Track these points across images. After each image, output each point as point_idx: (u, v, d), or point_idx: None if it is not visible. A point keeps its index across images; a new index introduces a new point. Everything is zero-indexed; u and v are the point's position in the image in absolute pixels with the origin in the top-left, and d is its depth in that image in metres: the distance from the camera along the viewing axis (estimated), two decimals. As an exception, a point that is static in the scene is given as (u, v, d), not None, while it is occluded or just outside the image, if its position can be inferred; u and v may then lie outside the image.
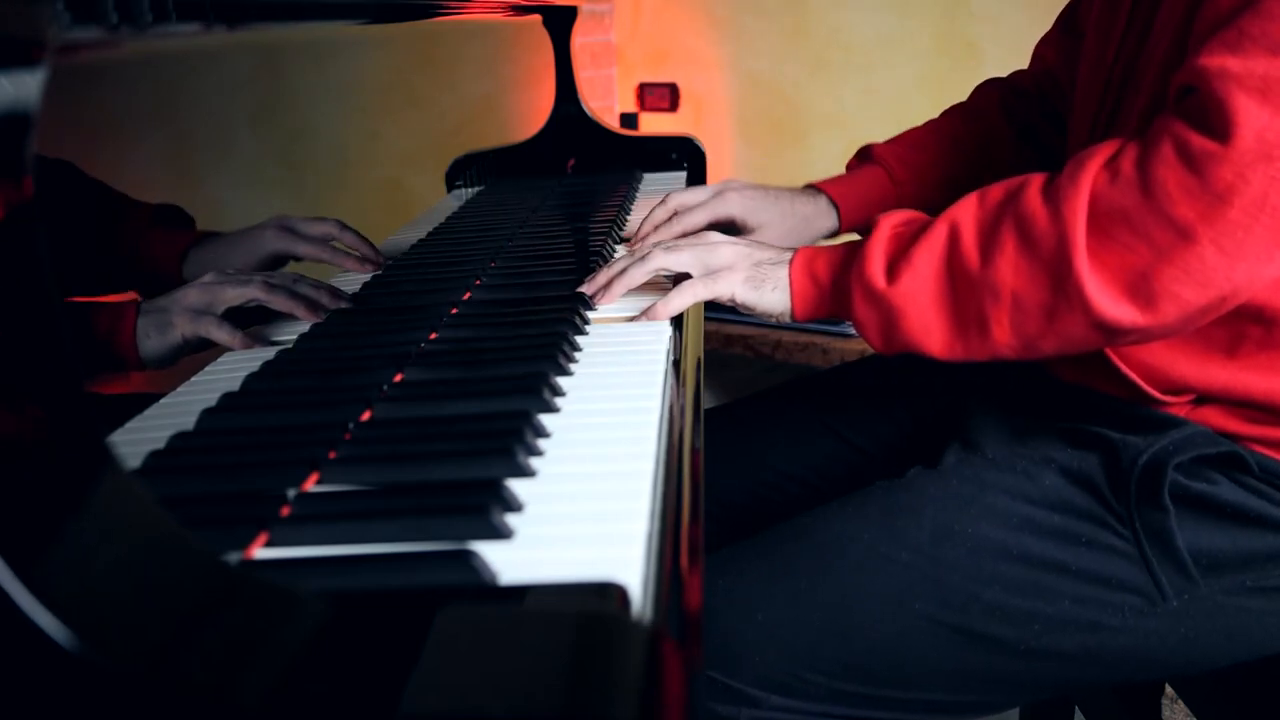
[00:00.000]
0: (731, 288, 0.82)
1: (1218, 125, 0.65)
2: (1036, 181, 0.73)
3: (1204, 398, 0.79)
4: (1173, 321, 0.69)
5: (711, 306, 0.89)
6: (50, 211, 0.60)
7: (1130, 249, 0.68)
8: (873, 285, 0.77)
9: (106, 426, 0.61)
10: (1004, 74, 1.13)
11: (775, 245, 0.86)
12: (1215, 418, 0.79)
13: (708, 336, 1.54)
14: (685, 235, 0.96)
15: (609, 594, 0.42)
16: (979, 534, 0.77)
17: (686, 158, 1.57)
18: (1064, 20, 1.07)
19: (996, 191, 0.76)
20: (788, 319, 0.84)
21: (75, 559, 0.35)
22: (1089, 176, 0.70)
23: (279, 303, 0.78)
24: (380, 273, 0.95)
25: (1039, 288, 0.71)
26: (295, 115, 0.91)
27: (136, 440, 0.59)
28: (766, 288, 0.82)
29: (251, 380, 0.70)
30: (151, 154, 0.71)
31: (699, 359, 0.78)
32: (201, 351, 0.74)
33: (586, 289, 0.86)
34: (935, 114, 1.12)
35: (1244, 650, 0.80)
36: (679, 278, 0.86)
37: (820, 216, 1.05)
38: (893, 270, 0.77)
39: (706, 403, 0.82)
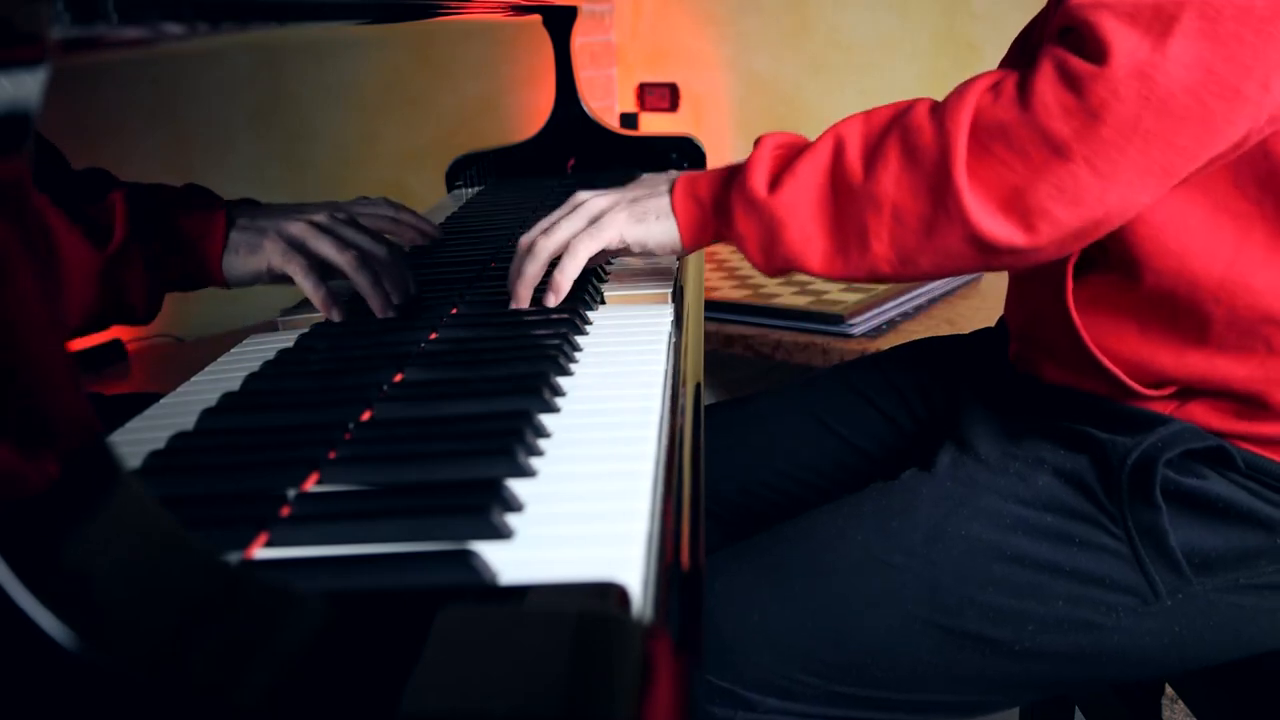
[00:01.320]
0: (616, 229, 0.82)
1: (1093, 50, 0.66)
2: (925, 102, 0.74)
3: (1187, 390, 0.79)
4: (1046, 243, 0.69)
5: (712, 306, 0.89)
6: (77, 208, 0.60)
7: (1007, 165, 0.68)
8: (754, 195, 0.76)
9: (106, 426, 0.61)
10: (1003, 74, 1.13)
11: (645, 181, 0.86)
12: (1201, 413, 0.79)
13: (708, 336, 1.54)
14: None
15: (609, 594, 0.42)
16: (972, 535, 0.77)
17: (686, 158, 1.57)
18: (1016, 48, 1.08)
19: (884, 110, 0.76)
20: (678, 248, 0.83)
21: (75, 559, 0.35)
22: (974, 94, 0.71)
23: (360, 284, 0.78)
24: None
25: (919, 200, 0.71)
26: (295, 115, 0.91)
27: (136, 440, 0.59)
28: (650, 219, 0.82)
29: (251, 380, 0.70)
30: (151, 154, 0.71)
31: (699, 358, 0.78)
32: (282, 284, 0.72)
33: (517, 305, 0.85)
34: (935, 114, 1.12)
35: (1238, 648, 0.80)
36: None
37: None
38: (775, 181, 0.76)
39: (706, 402, 0.82)
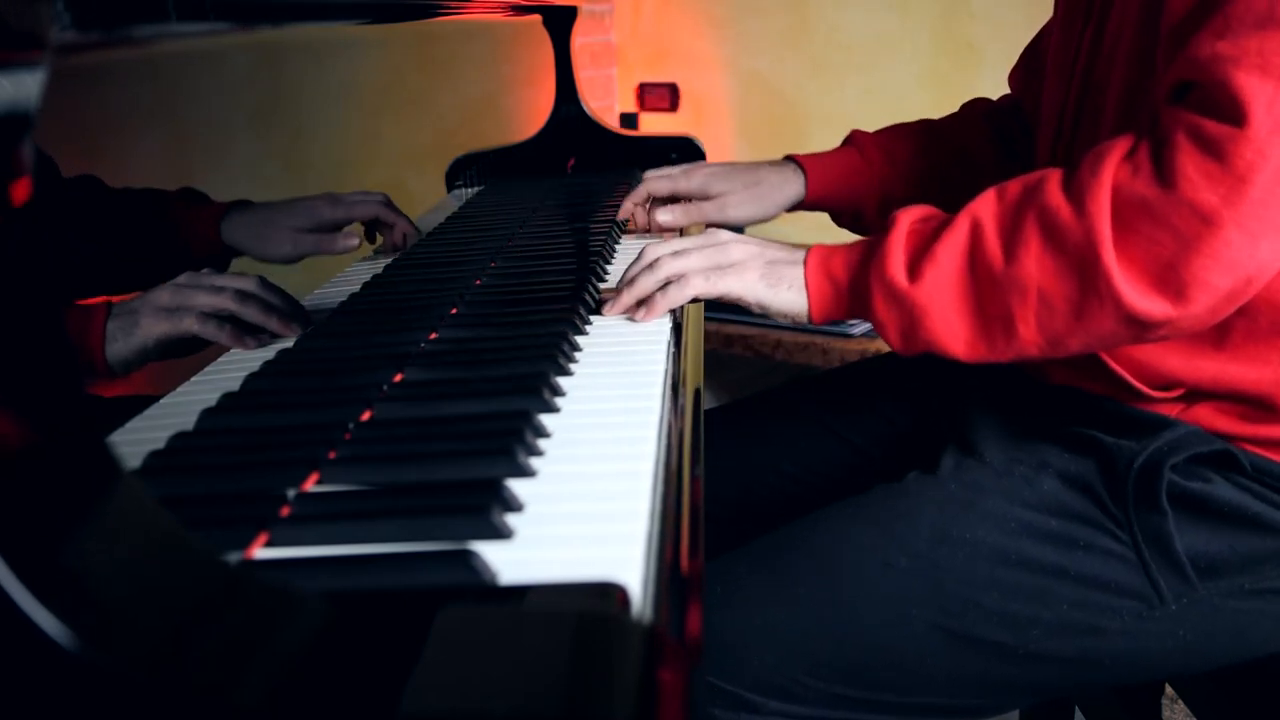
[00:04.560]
0: (744, 285, 0.80)
1: (1228, 109, 0.65)
2: (1055, 176, 0.73)
3: (1194, 393, 0.78)
4: (1202, 311, 0.69)
5: (712, 306, 0.89)
6: (73, 213, 0.60)
7: (1157, 241, 0.67)
8: (894, 284, 0.75)
9: (106, 426, 0.61)
10: (1004, 74, 1.14)
11: (785, 244, 0.85)
12: (1207, 416, 0.78)
13: (708, 336, 1.54)
14: (667, 216, 1.05)
15: (609, 594, 0.42)
16: (977, 539, 0.77)
17: (686, 158, 1.57)
18: (1028, 53, 1.08)
19: (1015, 186, 0.75)
20: (804, 320, 0.82)
21: (75, 559, 0.35)
22: (1110, 170, 0.69)
23: (251, 314, 0.75)
24: (380, 273, 0.95)
25: (1066, 284, 0.70)
26: (295, 115, 0.91)
27: (136, 440, 0.59)
28: (783, 287, 0.80)
29: (251, 380, 0.70)
30: (151, 154, 0.71)
31: (699, 358, 0.78)
32: (167, 358, 0.71)
33: (611, 311, 0.84)
34: (935, 114, 1.13)
35: (1241, 652, 0.80)
36: None
37: (786, 183, 1.06)
38: (914, 268, 0.75)
39: (706, 403, 0.82)
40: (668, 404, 0.66)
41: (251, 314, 0.75)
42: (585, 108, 1.57)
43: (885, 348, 1.13)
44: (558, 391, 0.66)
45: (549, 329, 0.78)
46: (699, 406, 0.69)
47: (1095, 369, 0.80)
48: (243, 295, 0.75)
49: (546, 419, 0.61)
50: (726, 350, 2.01)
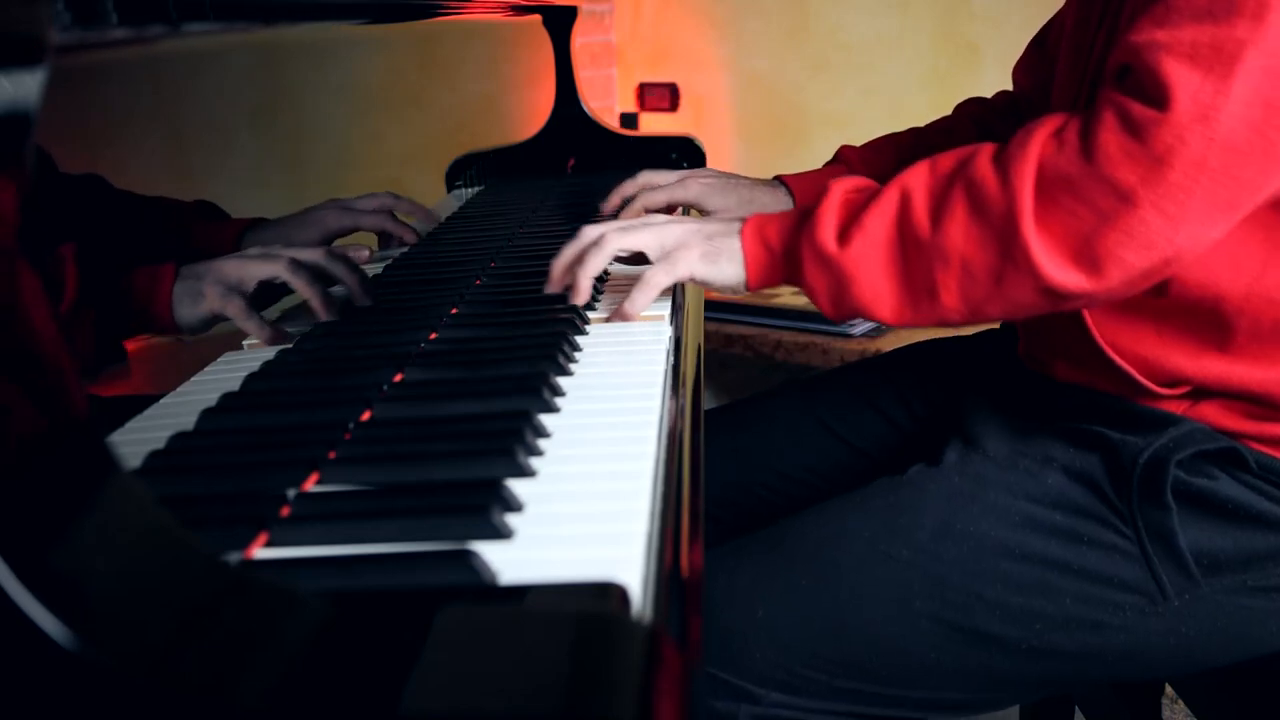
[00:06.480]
0: (690, 266, 0.82)
1: (1154, 93, 0.67)
2: (987, 150, 0.74)
3: (1201, 391, 0.79)
4: (1116, 285, 0.70)
5: (712, 306, 0.89)
6: (88, 218, 0.60)
7: (1075, 215, 0.69)
8: (824, 250, 0.77)
9: (106, 426, 0.61)
10: (1004, 74, 1.14)
11: (723, 218, 0.86)
12: (1213, 414, 0.79)
13: (708, 336, 1.54)
14: (644, 215, 1.01)
15: (609, 594, 0.42)
16: (980, 532, 0.77)
17: (686, 158, 1.57)
18: (1036, 43, 1.08)
19: (947, 159, 0.76)
20: (742, 289, 0.84)
21: (75, 559, 0.35)
22: (1037, 144, 0.71)
23: (300, 286, 0.80)
24: (380, 272, 0.95)
25: (988, 253, 0.72)
26: (295, 115, 0.91)
27: (136, 440, 0.59)
28: (722, 260, 0.82)
29: (251, 380, 0.70)
30: (151, 154, 0.71)
31: (699, 359, 0.78)
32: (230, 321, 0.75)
33: (552, 288, 0.85)
34: (935, 114, 1.13)
35: (1244, 650, 0.80)
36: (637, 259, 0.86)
37: (776, 205, 1.07)
38: (844, 235, 0.77)
39: (706, 403, 0.82)
40: (668, 404, 0.66)
41: (298, 284, 0.81)
42: (585, 108, 1.57)
43: (886, 347, 1.13)
44: (558, 391, 0.66)
45: (549, 329, 0.78)
46: (699, 406, 0.69)
47: (1101, 366, 0.80)
48: (295, 265, 0.81)
49: (546, 419, 0.61)
50: (726, 350, 2.01)
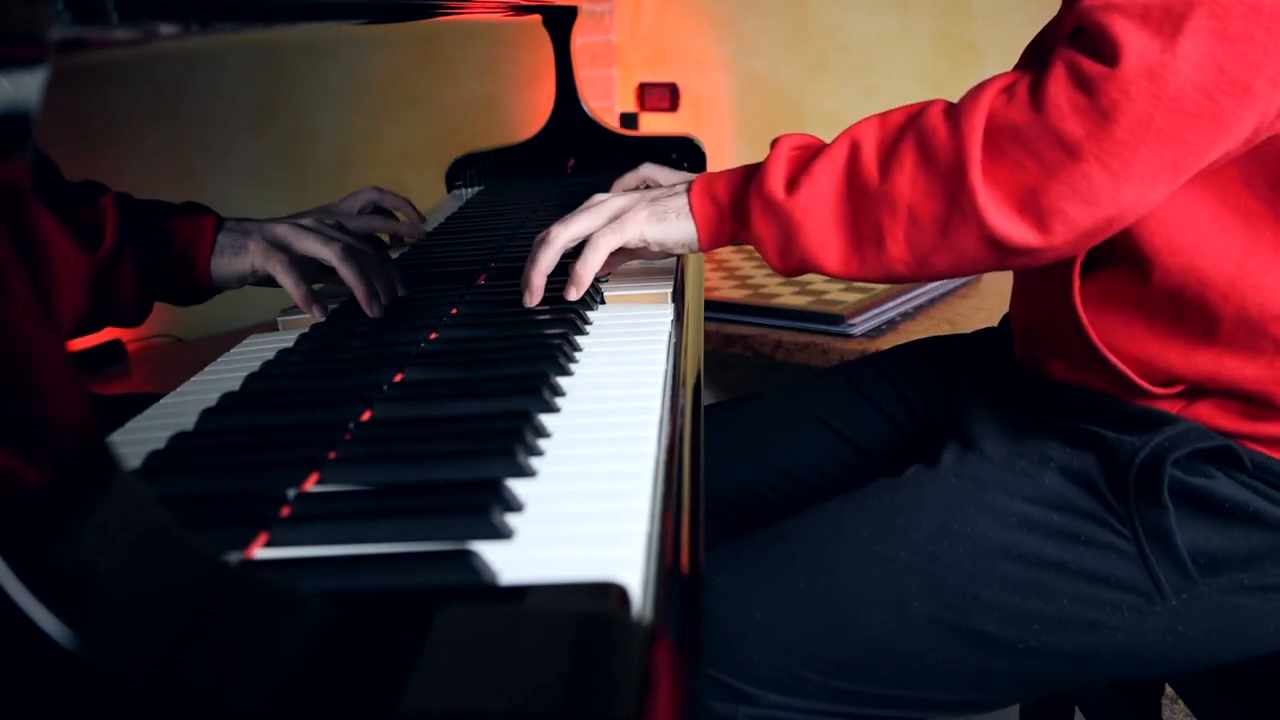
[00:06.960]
0: (638, 228, 0.83)
1: (1105, 51, 0.67)
2: (939, 104, 0.75)
3: (1195, 389, 0.79)
4: (1060, 242, 0.70)
5: (712, 306, 0.89)
6: (72, 212, 0.60)
7: (1022, 166, 0.69)
8: (771, 197, 0.77)
9: (106, 426, 0.61)
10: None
11: (670, 182, 0.87)
12: (1208, 413, 0.79)
13: (708, 336, 1.54)
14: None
15: (609, 594, 0.42)
16: (977, 533, 0.77)
17: (686, 158, 1.57)
18: (1031, 51, 1.09)
19: (898, 113, 0.77)
20: (695, 247, 0.84)
21: (75, 558, 0.35)
22: (988, 96, 0.71)
23: (346, 274, 0.80)
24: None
25: (935, 201, 0.72)
26: (295, 115, 0.91)
27: (136, 440, 0.59)
28: (670, 218, 0.83)
29: (251, 380, 0.70)
30: (151, 154, 0.71)
31: (699, 358, 0.78)
32: (268, 286, 0.76)
33: (533, 300, 0.85)
34: (935, 114, 1.13)
35: (1242, 650, 0.80)
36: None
37: None
38: (792, 183, 0.77)
39: (706, 402, 0.82)
40: (668, 403, 0.66)
41: (347, 272, 0.81)
42: (585, 108, 1.58)
43: (886, 346, 1.13)
44: (558, 391, 0.66)
45: (549, 329, 0.78)
46: (699, 406, 0.69)
47: (1096, 365, 0.80)
48: (349, 251, 0.81)
49: (546, 419, 0.61)
50: (726, 350, 2.01)
